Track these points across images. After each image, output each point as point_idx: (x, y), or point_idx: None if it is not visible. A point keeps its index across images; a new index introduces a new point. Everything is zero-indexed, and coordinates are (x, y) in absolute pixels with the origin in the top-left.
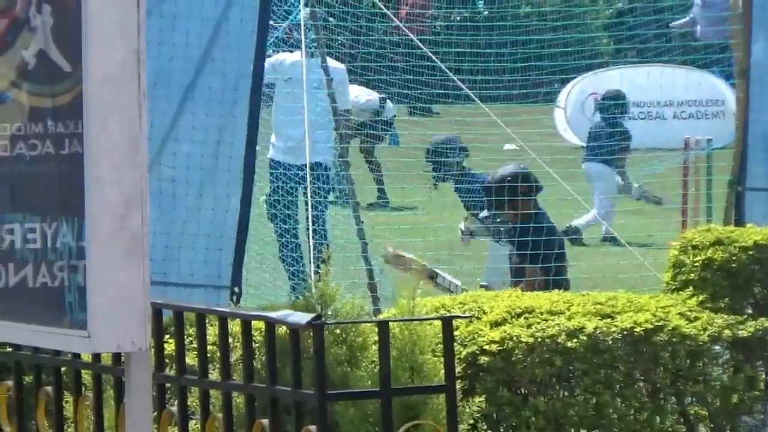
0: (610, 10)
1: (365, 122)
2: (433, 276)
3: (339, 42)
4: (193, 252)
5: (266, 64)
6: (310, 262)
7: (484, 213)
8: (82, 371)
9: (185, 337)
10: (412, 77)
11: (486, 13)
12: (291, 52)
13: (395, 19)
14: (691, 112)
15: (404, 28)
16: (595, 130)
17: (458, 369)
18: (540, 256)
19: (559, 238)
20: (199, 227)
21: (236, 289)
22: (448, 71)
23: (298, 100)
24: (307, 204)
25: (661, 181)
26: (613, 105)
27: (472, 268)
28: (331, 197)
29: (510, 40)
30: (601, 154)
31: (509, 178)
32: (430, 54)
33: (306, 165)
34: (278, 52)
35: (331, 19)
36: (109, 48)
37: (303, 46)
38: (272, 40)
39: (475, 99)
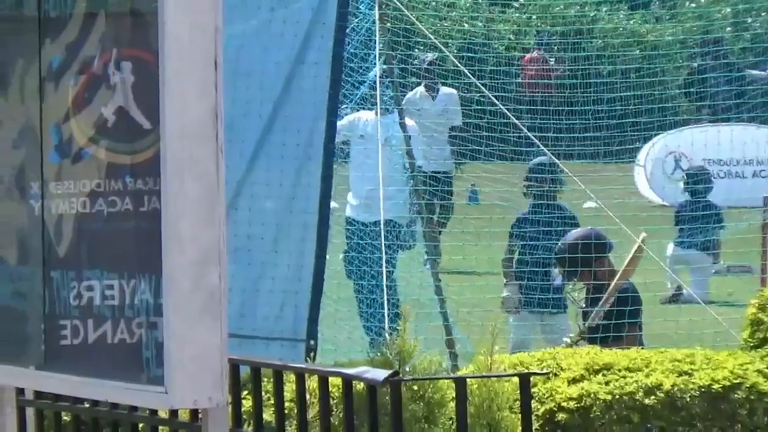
0: (691, 67)
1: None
2: None
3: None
4: (268, 308)
5: (345, 122)
6: (386, 318)
7: (557, 281)
8: (159, 428)
9: (262, 392)
10: (491, 134)
11: (567, 72)
12: (370, 110)
13: (474, 79)
14: None
15: (481, 87)
16: (685, 212)
17: (536, 425)
18: (623, 315)
19: (636, 295)
20: (275, 283)
21: (312, 342)
22: (524, 128)
23: (371, 158)
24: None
25: (743, 238)
26: (701, 184)
27: None
28: (403, 254)
29: (590, 99)
30: (694, 239)
31: (581, 240)
32: (506, 111)
33: (377, 222)
34: (359, 109)
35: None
36: (187, 106)
37: (378, 102)
38: (354, 99)
39: (552, 156)
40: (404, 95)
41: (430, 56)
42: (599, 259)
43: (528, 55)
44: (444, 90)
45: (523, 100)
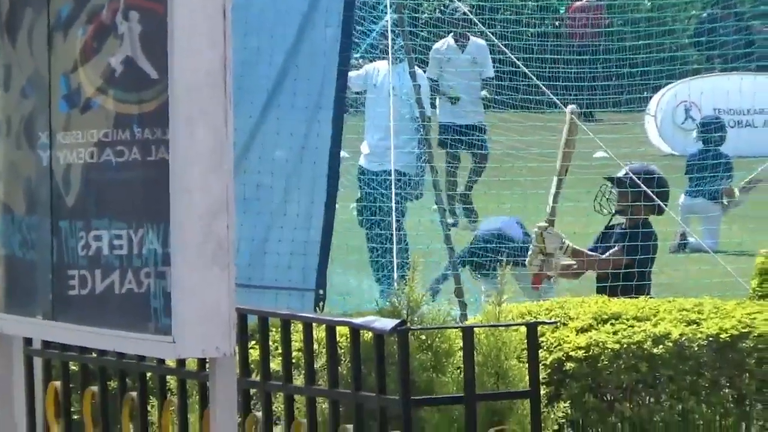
0: (702, 16)
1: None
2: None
3: (427, 48)
4: (278, 257)
5: (362, 71)
6: (395, 268)
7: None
8: (167, 377)
9: (270, 342)
10: (503, 82)
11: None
12: (383, 59)
13: (484, 27)
14: None
15: (491, 35)
16: (696, 161)
17: (544, 375)
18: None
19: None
20: (284, 232)
21: (321, 291)
22: (535, 78)
23: (382, 108)
24: (393, 211)
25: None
26: (714, 132)
27: None
28: (412, 204)
29: (602, 48)
30: (705, 188)
31: (646, 174)
32: (517, 61)
33: (386, 172)
34: (369, 58)
35: (419, 27)
36: (195, 55)
37: (390, 52)
38: (364, 47)
39: (562, 107)
40: (414, 44)
41: (462, 6)
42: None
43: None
44: (474, 40)
45: (533, 49)
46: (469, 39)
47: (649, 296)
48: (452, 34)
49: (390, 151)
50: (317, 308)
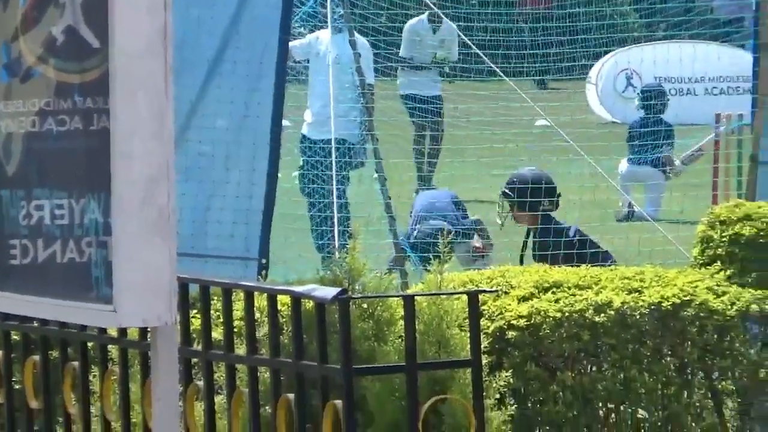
0: None
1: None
2: None
3: (366, 17)
4: (220, 226)
5: (306, 41)
6: (336, 237)
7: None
8: (109, 346)
9: (212, 311)
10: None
11: None
12: (326, 28)
13: None
14: (722, 88)
15: (431, 5)
16: (637, 128)
17: (485, 344)
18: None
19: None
20: (225, 201)
21: (263, 260)
22: (474, 47)
23: (323, 76)
24: (334, 180)
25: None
26: (655, 100)
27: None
28: (354, 172)
29: (542, 15)
30: (647, 155)
31: (534, 180)
32: (454, 27)
33: (328, 140)
34: (305, 26)
35: None
36: (135, 24)
37: (329, 21)
38: (299, 14)
39: (503, 76)
40: (353, 13)
41: None
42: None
43: None
44: (447, 23)
45: (474, 18)
46: (442, 21)
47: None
48: (428, 13)
49: (329, 119)
50: (260, 277)
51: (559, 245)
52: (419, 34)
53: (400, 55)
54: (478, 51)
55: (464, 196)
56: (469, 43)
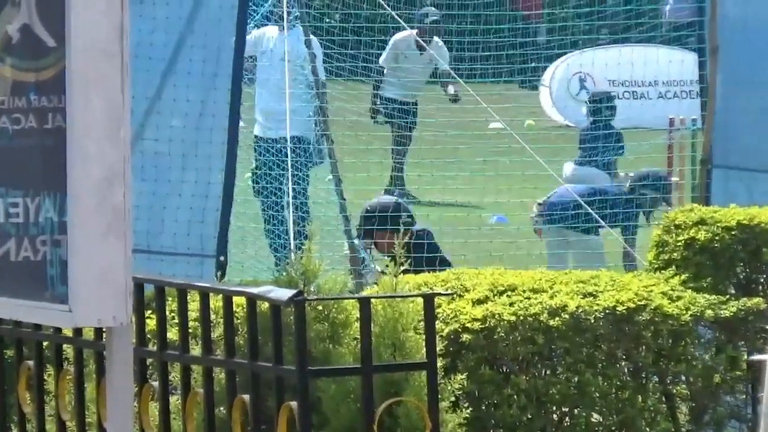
0: None
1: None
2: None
3: (321, 18)
4: (176, 224)
5: (251, 37)
6: (291, 238)
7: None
8: (64, 345)
9: (167, 311)
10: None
11: None
12: (274, 26)
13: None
14: (675, 92)
15: (386, 6)
16: (587, 134)
17: (440, 346)
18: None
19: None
20: (182, 200)
21: (221, 258)
22: (427, 47)
23: (276, 74)
24: (289, 180)
25: (647, 158)
26: (604, 107)
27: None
28: (310, 172)
29: (493, 18)
30: (595, 160)
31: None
32: (413, 33)
33: (284, 139)
34: (258, 24)
35: None
36: (92, 23)
37: (285, 19)
38: (257, 16)
39: (457, 78)
40: (309, 12)
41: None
42: (394, 233)
43: None
44: (436, 43)
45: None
46: (431, 42)
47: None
48: (417, 32)
49: (285, 118)
50: (219, 275)
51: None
52: (405, 54)
53: (380, 62)
54: (434, 54)
55: (422, 198)
56: (424, 44)
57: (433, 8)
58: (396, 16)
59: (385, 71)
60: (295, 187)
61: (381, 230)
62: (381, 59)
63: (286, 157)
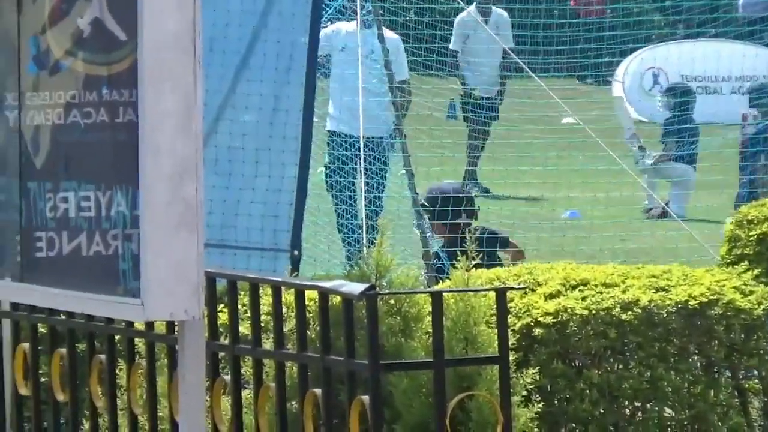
0: None
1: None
2: None
3: (396, 12)
4: (249, 219)
5: (322, 34)
6: (364, 233)
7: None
8: (136, 339)
9: (239, 305)
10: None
11: None
12: (347, 22)
13: None
14: (749, 87)
15: (460, 2)
16: (669, 126)
17: (512, 341)
18: None
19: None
20: (255, 194)
21: (296, 253)
22: (499, 41)
23: (350, 69)
24: (362, 174)
25: (720, 154)
26: (684, 100)
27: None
28: (389, 167)
29: (567, 12)
30: (681, 153)
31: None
32: (486, 28)
33: (360, 136)
34: (333, 21)
35: None
36: (164, 17)
37: (358, 15)
38: (330, 10)
39: (531, 73)
40: (383, 6)
41: None
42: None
43: None
44: (496, 11)
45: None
46: (491, 9)
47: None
48: (475, 3)
49: (368, 116)
50: (295, 270)
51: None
52: (470, 26)
53: (450, 47)
54: (506, 47)
55: (495, 192)
56: (497, 38)
57: None
58: (465, 7)
59: (458, 59)
60: (369, 181)
61: (439, 215)
62: (451, 44)
63: (359, 151)
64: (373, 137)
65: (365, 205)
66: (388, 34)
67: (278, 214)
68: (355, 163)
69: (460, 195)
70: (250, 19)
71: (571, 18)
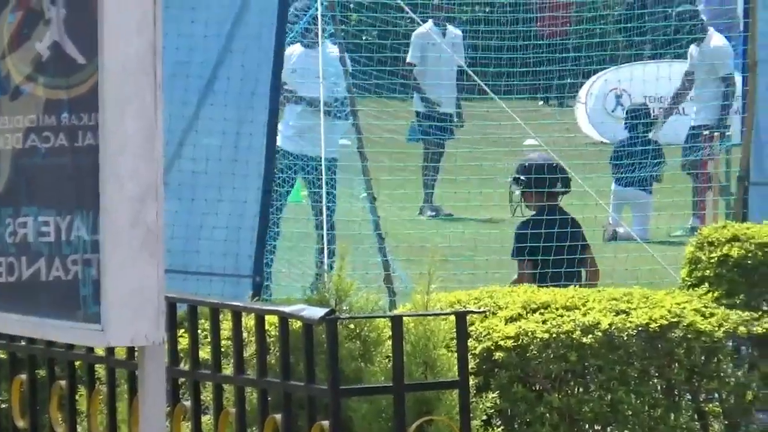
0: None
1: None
2: None
3: (357, 35)
4: (212, 243)
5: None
6: (326, 256)
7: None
8: (96, 365)
9: (199, 330)
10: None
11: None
12: (302, 43)
13: (412, 13)
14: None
15: (420, 23)
16: (623, 148)
17: (473, 364)
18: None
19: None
20: (218, 219)
21: (258, 278)
22: (463, 64)
23: (302, 91)
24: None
25: (679, 174)
26: (641, 120)
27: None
28: (340, 190)
29: (531, 34)
30: (633, 176)
31: (544, 165)
32: (446, 49)
33: (308, 156)
34: (289, 42)
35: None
36: (125, 40)
37: (320, 37)
38: (291, 33)
39: (492, 95)
40: (345, 29)
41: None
42: (551, 194)
43: None
44: (451, 31)
45: (464, 36)
46: (446, 27)
47: (579, 283)
48: (432, 19)
49: (311, 134)
50: (257, 295)
51: (559, 235)
52: (428, 39)
53: (408, 60)
54: (468, 69)
55: (456, 215)
56: (460, 60)
57: None
58: (433, 35)
59: (415, 73)
60: (329, 205)
61: (533, 185)
62: (408, 57)
63: (303, 172)
64: (316, 160)
65: (317, 228)
66: (331, 48)
67: (241, 238)
68: (312, 186)
69: (554, 164)
70: (214, 43)
71: (535, 39)
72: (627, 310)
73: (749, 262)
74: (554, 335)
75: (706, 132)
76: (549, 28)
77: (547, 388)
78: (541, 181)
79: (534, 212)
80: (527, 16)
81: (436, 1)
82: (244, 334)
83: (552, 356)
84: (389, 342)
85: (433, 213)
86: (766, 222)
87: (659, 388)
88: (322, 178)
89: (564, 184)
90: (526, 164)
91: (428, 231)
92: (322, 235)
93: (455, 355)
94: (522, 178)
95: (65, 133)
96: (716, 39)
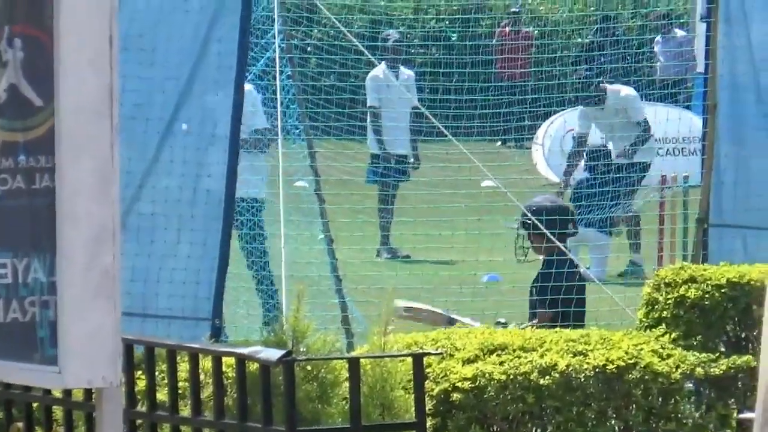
0: (584, 44)
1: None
2: (451, 322)
3: (316, 78)
4: (171, 286)
5: None
6: (283, 297)
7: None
8: (53, 407)
9: (157, 372)
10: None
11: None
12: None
13: (370, 56)
14: (668, 149)
15: (379, 65)
16: (583, 189)
17: (430, 406)
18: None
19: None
20: (177, 261)
21: (216, 321)
22: (421, 106)
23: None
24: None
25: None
26: (601, 162)
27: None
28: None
29: (489, 76)
30: (593, 217)
31: (552, 208)
32: (402, 89)
33: (241, 199)
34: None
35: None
36: (81, 83)
37: (278, 80)
38: (249, 75)
39: (451, 137)
40: (302, 71)
41: (393, 33)
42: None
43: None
44: (404, 71)
45: (424, 78)
46: (399, 68)
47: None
48: (384, 62)
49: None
50: (214, 337)
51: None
52: (382, 81)
53: (368, 105)
54: (426, 112)
55: (415, 257)
56: (419, 104)
57: (392, 31)
58: (391, 77)
59: (372, 115)
60: (248, 247)
61: (540, 229)
62: (368, 101)
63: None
64: (251, 202)
65: (275, 270)
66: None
67: (200, 280)
68: (261, 228)
69: (562, 206)
70: (174, 85)
71: (495, 81)
72: (584, 351)
73: (706, 303)
74: (511, 377)
75: (664, 173)
76: (508, 70)
77: (505, 430)
78: (552, 223)
79: (542, 256)
80: (486, 58)
81: (391, 45)
82: (202, 376)
83: (509, 398)
84: (347, 383)
85: (389, 255)
86: (722, 263)
87: (617, 429)
88: (251, 219)
89: (575, 225)
90: (534, 207)
91: (386, 273)
92: (257, 278)
93: (413, 396)
94: (529, 221)
95: (22, 175)
96: (624, 90)
